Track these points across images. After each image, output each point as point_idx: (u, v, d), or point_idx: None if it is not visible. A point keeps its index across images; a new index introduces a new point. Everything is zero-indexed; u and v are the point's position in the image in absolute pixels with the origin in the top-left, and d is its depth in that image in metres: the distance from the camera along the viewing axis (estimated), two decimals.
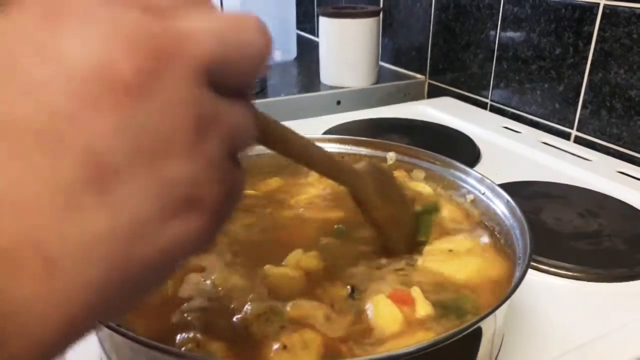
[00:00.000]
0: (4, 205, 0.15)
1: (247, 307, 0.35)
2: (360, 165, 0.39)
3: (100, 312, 0.17)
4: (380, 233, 0.41)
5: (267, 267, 0.39)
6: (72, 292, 0.16)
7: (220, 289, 0.37)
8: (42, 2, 0.16)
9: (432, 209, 0.47)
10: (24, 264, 0.15)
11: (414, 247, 0.42)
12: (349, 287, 0.38)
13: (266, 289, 0.37)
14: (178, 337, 0.33)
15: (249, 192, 0.51)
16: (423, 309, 0.36)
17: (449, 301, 0.37)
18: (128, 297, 0.18)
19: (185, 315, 0.35)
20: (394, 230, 0.41)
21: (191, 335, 0.33)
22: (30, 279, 0.15)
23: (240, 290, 0.37)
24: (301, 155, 0.31)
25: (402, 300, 0.36)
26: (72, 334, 0.17)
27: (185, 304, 0.36)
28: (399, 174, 0.52)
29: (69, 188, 0.15)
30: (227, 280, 0.38)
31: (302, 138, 0.30)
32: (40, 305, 0.15)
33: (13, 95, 0.15)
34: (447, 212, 0.48)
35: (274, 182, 0.53)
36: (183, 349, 0.32)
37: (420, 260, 0.41)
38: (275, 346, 0.32)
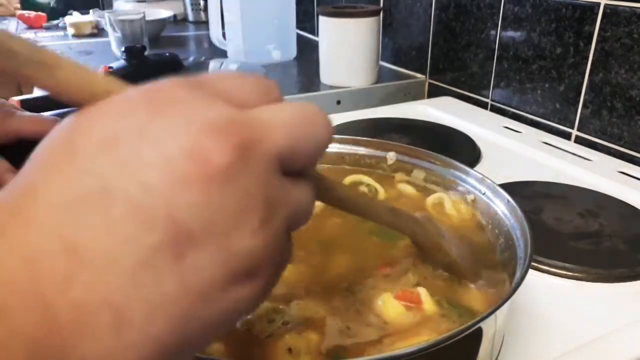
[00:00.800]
0: (84, 263, 0.16)
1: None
2: (417, 215, 0.41)
3: None
4: (450, 270, 0.41)
5: None
6: (138, 347, 0.17)
7: None
8: (145, 93, 0.19)
9: None
10: (95, 320, 0.16)
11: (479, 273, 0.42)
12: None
13: None
14: None
15: None
16: (430, 308, 0.36)
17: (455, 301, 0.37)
18: (182, 353, 0.19)
19: None
20: (460, 264, 0.41)
21: None
22: (99, 335, 0.16)
23: None
24: (365, 211, 0.33)
25: (410, 300, 0.36)
26: None
27: None
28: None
29: (148, 251, 0.17)
30: None
31: (363, 195, 0.33)
32: None
33: (113, 168, 0.17)
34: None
35: None
36: None
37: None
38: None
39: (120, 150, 0.17)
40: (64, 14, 1.81)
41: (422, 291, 0.37)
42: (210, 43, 1.39)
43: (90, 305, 0.16)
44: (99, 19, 1.65)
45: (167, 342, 0.18)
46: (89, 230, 0.17)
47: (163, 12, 1.69)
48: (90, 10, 1.75)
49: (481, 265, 0.42)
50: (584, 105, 0.80)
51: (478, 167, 0.72)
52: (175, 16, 1.87)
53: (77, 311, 0.16)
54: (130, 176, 0.17)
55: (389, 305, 0.36)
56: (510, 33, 0.90)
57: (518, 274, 0.34)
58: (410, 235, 0.39)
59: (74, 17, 1.69)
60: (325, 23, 1.06)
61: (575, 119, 0.82)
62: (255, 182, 0.19)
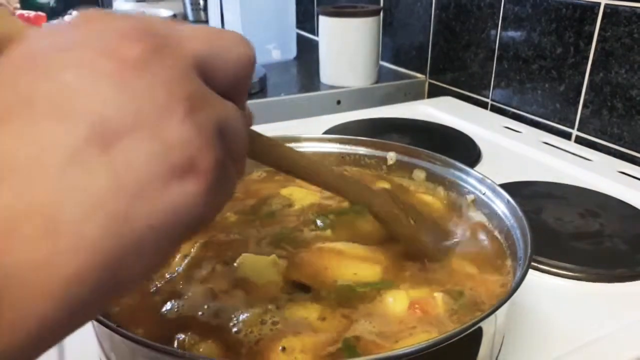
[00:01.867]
0: (9, 171, 0.16)
1: (241, 315, 0.35)
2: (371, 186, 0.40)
3: (99, 280, 0.17)
4: (413, 244, 0.40)
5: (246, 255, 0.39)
6: (74, 253, 0.16)
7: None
8: (62, 22, 0.21)
9: None
10: (24, 225, 0.16)
11: (443, 252, 0.42)
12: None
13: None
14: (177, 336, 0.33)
15: None
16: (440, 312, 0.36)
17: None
18: (133, 267, 0.18)
19: (177, 309, 0.35)
20: (424, 238, 0.41)
21: (186, 336, 0.33)
22: (31, 240, 0.16)
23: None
24: (309, 175, 0.31)
25: (423, 309, 0.36)
26: (75, 308, 0.17)
27: (178, 303, 0.36)
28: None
29: (73, 147, 0.17)
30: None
31: (308, 158, 0.31)
32: (38, 272, 0.16)
33: (35, 80, 0.18)
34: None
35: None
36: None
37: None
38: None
39: (40, 64, 0.18)
40: (63, 13, 1.81)
41: (439, 297, 0.36)
42: None
43: (18, 211, 0.16)
44: None
45: (105, 247, 0.17)
46: (13, 138, 0.16)
47: (163, 12, 1.70)
48: None
49: (438, 240, 0.42)
50: (584, 105, 0.80)
51: (478, 167, 0.72)
52: (175, 16, 1.87)
53: (5, 218, 0.15)
54: (50, 82, 0.18)
55: (398, 305, 0.36)
56: (511, 33, 0.90)
57: (518, 274, 0.34)
58: (363, 204, 0.38)
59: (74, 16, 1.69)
60: (325, 23, 1.06)
61: (575, 119, 0.82)
62: (173, 74, 0.19)
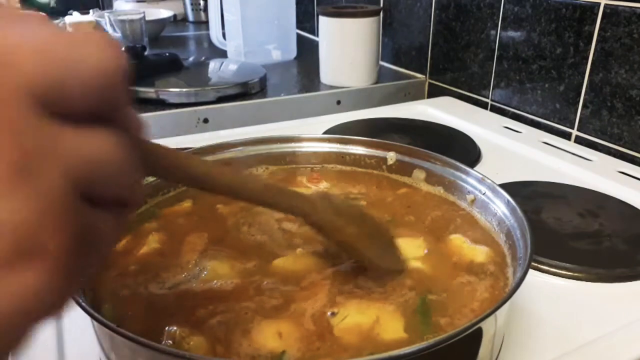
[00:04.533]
0: None
1: None
2: (307, 194, 0.37)
3: None
4: (353, 254, 0.38)
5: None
6: None
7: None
8: None
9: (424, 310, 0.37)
10: None
11: (397, 266, 0.40)
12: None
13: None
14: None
15: None
16: None
17: None
18: None
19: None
20: (367, 249, 0.38)
21: (175, 329, 0.33)
22: None
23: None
24: (232, 190, 0.27)
25: None
26: None
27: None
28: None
29: None
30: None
31: (227, 172, 0.27)
32: None
33: None
34: None
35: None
36: (164, 342, 0.32)
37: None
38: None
39: None
40: (64, 14, 1.81)
41: None
42: (210, 43, 1.39)
43: None
44: (99, 19, 1.65)
45: None
46: None
47: (163, 12, 1.69)
48: (90, 10, 1.75)
49: (389, 253, 0.39)
50: (584, 105, 0.80)
51: (478, 167, 0.72)
52: (175, 16, 1.87)
53: None
54: None
55: None
56: (510, 33, 0.90)
57: (518, 274, 0.34)
58: (297, 214, 0.34)
59: (74, 17, 1.69)
60: (325, 23, 1.06)
61: (575, 119, 0.82)
62: None
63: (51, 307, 0.16)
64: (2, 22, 0.16)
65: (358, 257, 0.38)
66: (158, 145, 0.22)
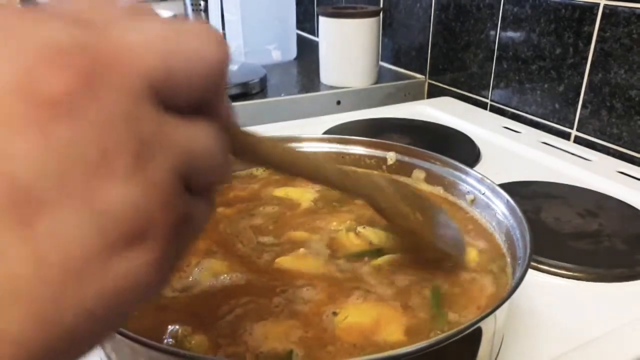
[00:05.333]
0: None
1: None
2: (376, 178, 0.38)
3: None
4: (415, 240, 0.39)
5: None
6: None
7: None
8: None
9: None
10: None
11: (460, 250, 0.41)
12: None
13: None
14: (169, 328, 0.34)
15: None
16: None
17: None
18: (68, 353, 0.15)
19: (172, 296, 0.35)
20: (428, 235, 0.39)
21: (177, 328, 0.33)
22: None
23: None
24: (306, 172, 0.29)
25: None
26: None
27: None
28: None
29: None
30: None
31: (302, 154, 0.29)
32: None
33: None
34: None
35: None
36: (166, 341, 0.33)
37: None
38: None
39: None
40: None
41: None
42: None
43: None
44: None
45: (31, 340, 0.13)
46: None
47: (163, 12, 1.69)
48: None
49: (452, 238, 0.40)
50: (583, 106, 0.80)
51: (478, 167, 0.72)
52: (175, 16, 1.87)
53: None
54: None
55: None
56: (510, 33, 0.90)
57: (518, 274, 0.34)
58: (366, 200, 0.35)
59: None
60: (325, 23, 1.06)
61: (574, 119, 0.82)
62: (113, 115, 0.15)
63: (154, 287, 0.17)
64: (120, 17, 0.16)
65: (422, 244, 0.39)
66: (242, 131, 0.23)
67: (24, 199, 0.13)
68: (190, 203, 0.18)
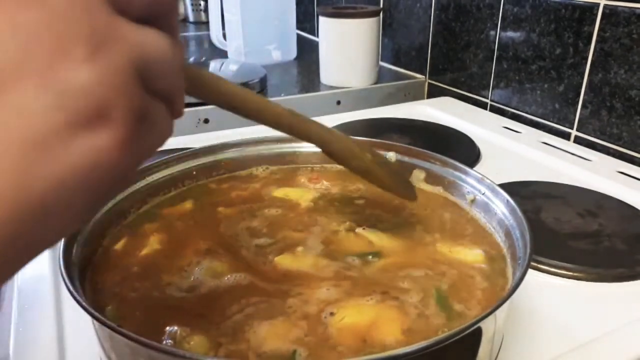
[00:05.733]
0: None
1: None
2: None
3: (13, 239, 0.16)
4: (372, 179, 0.41)
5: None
6: None
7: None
8: None
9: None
10: None
11: (411, 194, 0.46)
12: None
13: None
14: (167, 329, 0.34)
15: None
16: None
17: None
18: (45, 223, 0.17)
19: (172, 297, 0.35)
20: (385, 175, 0.41)
21: (175, 329, 0.33)
22: None
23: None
24: (258, 113, 0.30)
25: None
26: None
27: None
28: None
29: None
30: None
31: (255, 94, 0.30)
32: None
33: None
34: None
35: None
36: (165, 342, 0.33)
37: None
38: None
39: None
40: None
41: None
42: (211, 43, 1.39)
43: None
44: None
45: (7, 204, 0.15)
46: None
47: None
48: None
49: (402, 182, 0.43)
50: (584, 106, 0.80)
51: (478, 167, 0.72)
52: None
53: None
54: None
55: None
56: (510, 33, 0.90)
57: (517, 274, 0.34)
58: (318, 143, 0.37)
59: None
60: (325, 23, 1.06)
61: (574, 119, 0.82)
62: (72, 5, 0.17)
63: (122, 172, 0.18)
64: None
65: (376, 182, 0.41)
66: (194, 65, 0.24)
67: None
68: (148, 101, 0.19)
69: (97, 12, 0.17)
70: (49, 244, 0.18)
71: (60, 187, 0.17)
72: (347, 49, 1.06)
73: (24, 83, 0.16)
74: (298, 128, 0.34)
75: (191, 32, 1.79)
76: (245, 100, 0.29)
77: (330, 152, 0.38)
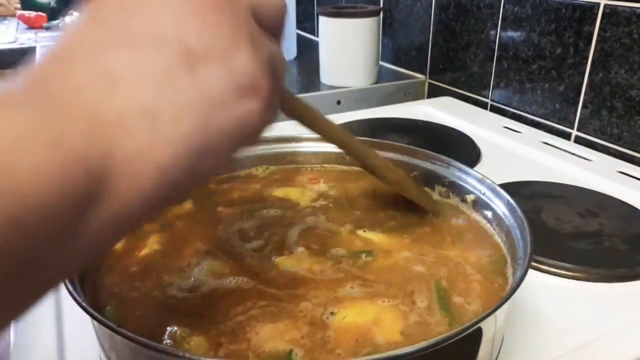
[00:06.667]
0: (119, 81, 0.21)
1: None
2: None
3: (187, 167, 0.22)
4: (403, 189, 0.46)
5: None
6: (170, 144, 0.21)
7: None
8: None
9: None
10: (133, 120, 0.21)
11: (434, 206, 0.49)
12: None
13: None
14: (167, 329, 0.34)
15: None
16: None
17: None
18: (207, 160, 0.23)
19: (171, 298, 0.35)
20: (414, 187, 0.47)
21: (175, 330, 0.33)
22: (138, 132, 0.21)
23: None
24: (322, 129, 0.38)
25: None
26: (165, 186, 0.22)
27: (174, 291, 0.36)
28: None
29: (166, 67, 0.22)
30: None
31: (320, 115, 0.38)
32: (142, 158, 0.21)
33: (130, 17, 0.23)
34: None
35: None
36: (165, 342, 0.33)
37: None
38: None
39: (131, 6, 0.23)
40: (64, 14, 1.81)
41: None
42: None
43: (129, 109, 0.21)
44: None
45: (193, 142, 0.22)
46: (121, 60, 0.22)
47: None
48: None
49: (426, 196, 0.49)
50: (584, 106, 0.80)
51: (478, 167, 0.72)
52: None
53: (118, 114, 0.20)
54: (144, 20, 0.23)
55: None
56: (510, 33, 0.90)
57: (518, 274, 0.34)
58: (362, 159, 0.43)
59: (75, 17, 1.69)
60: (325, 23, 1.06)
61: (575, 119, 0.82)
62: (239, 16, 0.24)
63: (256, 131, 0.26)
64: None
65: (406, 193, 0.47)
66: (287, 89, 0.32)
67: (190, 56, 0.22)
68: (276, 83, 0.26)
69: (251, 20, 0.25)
70: (204, 178, 0.24)
71: (225, 133, 0.23)
72: (347, 48, 1.06)
73: (212, 62, 0.23)
74: (350, 146, 0.42)
75: None
76: (316, 120, 0.37)
77: (369, 166, 0.44)
